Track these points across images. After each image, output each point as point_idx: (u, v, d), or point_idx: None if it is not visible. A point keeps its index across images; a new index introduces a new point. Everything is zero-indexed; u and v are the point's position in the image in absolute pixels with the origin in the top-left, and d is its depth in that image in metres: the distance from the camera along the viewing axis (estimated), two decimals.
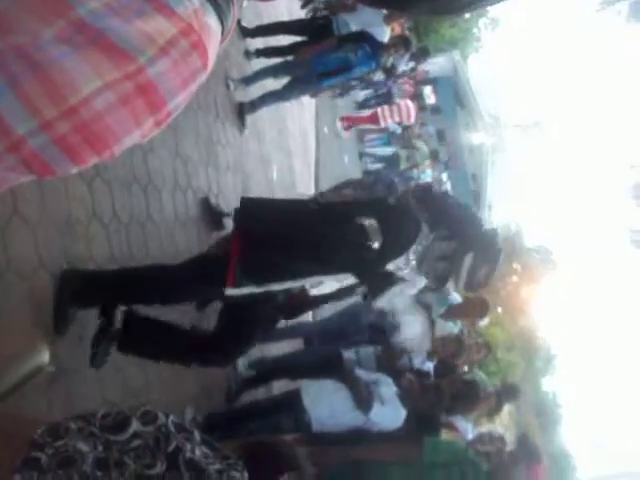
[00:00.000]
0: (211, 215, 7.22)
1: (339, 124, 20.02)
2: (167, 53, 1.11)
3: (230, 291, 4.15)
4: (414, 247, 4.16)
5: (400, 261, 4.21)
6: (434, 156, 25.61)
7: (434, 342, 7.09)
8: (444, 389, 6.11)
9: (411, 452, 5.65)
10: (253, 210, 4.48)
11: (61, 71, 1.03)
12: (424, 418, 6.06)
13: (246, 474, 1.75)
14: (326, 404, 5.82)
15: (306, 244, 4.17)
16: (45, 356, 1.60)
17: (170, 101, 1.18)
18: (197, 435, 1.68)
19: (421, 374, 6.95)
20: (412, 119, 20.48)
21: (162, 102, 1.17)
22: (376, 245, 3.95)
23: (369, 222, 4.01)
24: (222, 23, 1.22)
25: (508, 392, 7.96)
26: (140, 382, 4.94)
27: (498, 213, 46.21)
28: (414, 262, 4.22)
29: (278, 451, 2.08)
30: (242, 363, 7.03)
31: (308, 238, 4.20)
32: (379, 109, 20.37)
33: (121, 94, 1.09)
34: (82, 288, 4.16)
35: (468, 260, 4.18)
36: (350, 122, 20.82)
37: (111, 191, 5.05)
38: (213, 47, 1.21)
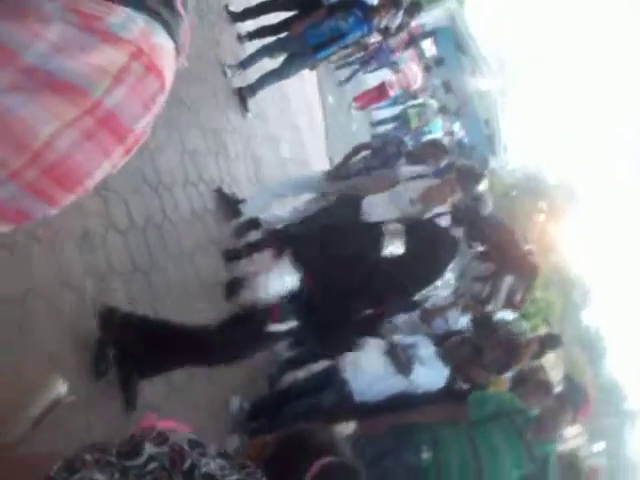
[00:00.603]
0: (227, 204, 7.23)
1: (354, 106, 20.20)
2: (122, 81, 1.10)
3: (274, 327, 4.14)
4: (452, 265, 4.05)
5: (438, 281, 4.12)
6: (442, 109, 25.37)
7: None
8: (482, 344, 6.10)
9: (458, 410, 5.68)
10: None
11: (18, 119, 1.04)
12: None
13: None
14: (365, 373, 5.85)
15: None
16: (61, 387, 1.61)
17: (134, 126, 1.18)
18: (212, 449, 1.69)
19: (456, 333, 6.94)
20: (419, 81, 20.31)
21: (126, 129, 1.16)
22: (397, 250, 3.83)
23: (393, 226, 3.91)
24: (174, 39, 1.20)
25: (550, 341, 7.97)
26: (183, 378, 4.96)
27: (516, 154, 45.92)
28: (452, 281, 4.13)
29: (307, 439, 2.09)
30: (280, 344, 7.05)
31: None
32: (386, 80, 20.18)
33: (83, 130, 1.09)
34: (123, 335, 4.18)
35: (507, 282, 4.13)
36: (362, 103, 20.79)
37: (123, 198, 5.06)
38: (168, 65, 1.20)
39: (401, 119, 21.78)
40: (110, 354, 4.17)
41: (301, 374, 6.43)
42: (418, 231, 4.09)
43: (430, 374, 5.95)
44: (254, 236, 7.25)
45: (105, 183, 4.80)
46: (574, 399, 5.52)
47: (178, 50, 1.24)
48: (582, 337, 49.91)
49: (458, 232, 4.20)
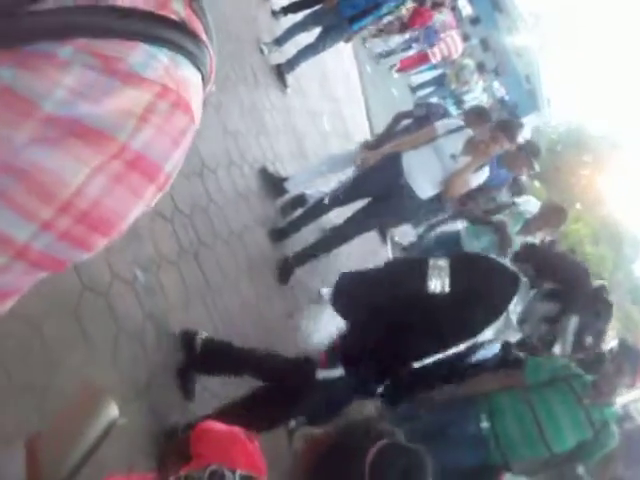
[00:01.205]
0: (272, 183, 7.23)
1: (393, 68, 20.21)
2: (148, 121, 1.08)
3: (322, 374, 4.03)
4: (513, 306, 3.88)
5: (500, 323, 3.94)
6: (480, 67, 25.14)
7: None
8: None
9: (514, 377, 5.67)
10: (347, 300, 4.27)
11: (45, 171, 1.02)
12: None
13: None
14: None
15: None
16: (114, 409, 1.58)
17: (165, 164, 1.16)
18: None
19: None
20: (459, 49, 20.13)
21: (157, 168, 1.14)
22: (438, 288, 3.71)
23: (439, 261, 3.79)
24: (199, 69, 1.19)
25: None
26: None
27: (559, 107, 45.47)
28: (515, 322, 3.94)
29: (362, 428, 2.12)
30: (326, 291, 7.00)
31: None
32: (428, 50, 19.99)
33: (112, 174, 1.07)
34: (205, 362, 4.30)
35: (573, 323, 3.98)
36: (401, 66, 20.71)
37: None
38: (196, 98, 1.18)
39: (440, 82, 21.72)
40: (195, 376, 4.29)
41: None
42: (469, 267, 3.93)
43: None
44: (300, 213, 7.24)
45: None
46: (631, 361, 5.47)
47: (204, 79, 1.23)
48: (634, 289, 49.39)
49: (524, 270, 4.00)
